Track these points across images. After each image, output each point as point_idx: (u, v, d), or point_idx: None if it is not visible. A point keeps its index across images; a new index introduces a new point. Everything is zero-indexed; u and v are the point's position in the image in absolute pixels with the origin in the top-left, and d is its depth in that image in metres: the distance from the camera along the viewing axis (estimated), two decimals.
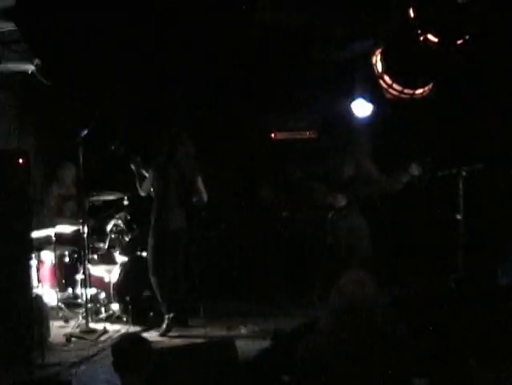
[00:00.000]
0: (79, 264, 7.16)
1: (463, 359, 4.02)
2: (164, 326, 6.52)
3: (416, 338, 3.50)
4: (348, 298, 3.19)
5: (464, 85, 7.26)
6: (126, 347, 3.54)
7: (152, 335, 6.42)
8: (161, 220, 6.61)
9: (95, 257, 7.28)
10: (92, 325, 6.75)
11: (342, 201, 6.53)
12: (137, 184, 6.77)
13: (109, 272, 7.13)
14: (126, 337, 4.06)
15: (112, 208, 7.51)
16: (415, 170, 6.32)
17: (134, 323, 6.79)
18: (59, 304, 7.06)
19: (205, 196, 6.76)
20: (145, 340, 3.67)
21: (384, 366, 3.12)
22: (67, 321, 6.94)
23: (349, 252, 6.47)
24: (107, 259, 7.26)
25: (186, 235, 6.73)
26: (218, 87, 8.01)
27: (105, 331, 6.62)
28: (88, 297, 6.82)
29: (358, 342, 3.15)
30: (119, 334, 6.55)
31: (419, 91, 6.50)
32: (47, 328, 6.22)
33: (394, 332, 3.26)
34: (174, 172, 6.67)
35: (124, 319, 6.91)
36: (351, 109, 6.98)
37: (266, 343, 5.72)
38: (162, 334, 6.48)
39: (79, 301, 7.10)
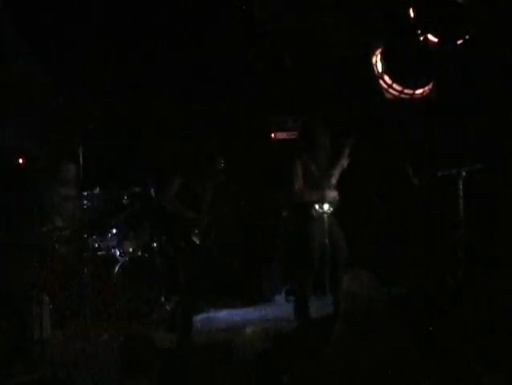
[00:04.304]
0: (79, 263, 7.15)
1: (463, 359, 4.02)
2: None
3: (415, 338, 3.50)
4: (352, 298, 3.20)
5: (464, 85, 7.26)
6: (132, 347, 3.54)
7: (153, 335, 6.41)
8: None
9: (96, 256, 7.27)
10: (92, 325, 6.74)
11: (335, 194, 6.66)
12: None
13: (109, 272, 7.12)
14: (132, 337, 4.06)
15: (112, 208, 7.52)
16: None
17: (133, 323, 6.78)
18: (59, 304, 7.04)
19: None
20: (151, 340, 3.67)
21: (390, 366, 3.12)
22: (68, 321, 6.93)
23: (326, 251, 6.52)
24: (107, 259, 7.26)
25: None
26: (218, 87, 8.01)
27: (106, 331, 6.61)
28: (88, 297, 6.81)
29: (362, 342, 3.16)
30: (119, 333, 6.55)
31: (419, 91, 6.50)
32: (47, 328, 6.22)
33: (397, 331, 3.27)
34: None
35: (124, 319, 6.90)
36: (350, 108, 6.99)
37: (266, 343, 5.74)
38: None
39: (80, 301, 7.09)
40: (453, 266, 6.37)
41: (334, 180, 6.69)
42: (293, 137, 8.21)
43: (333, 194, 6.63)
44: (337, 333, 3.31)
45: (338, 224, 6.68)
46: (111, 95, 7.83)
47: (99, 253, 7.32)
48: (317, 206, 6.55)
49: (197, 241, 6.04)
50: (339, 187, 6.82)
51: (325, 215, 6.51)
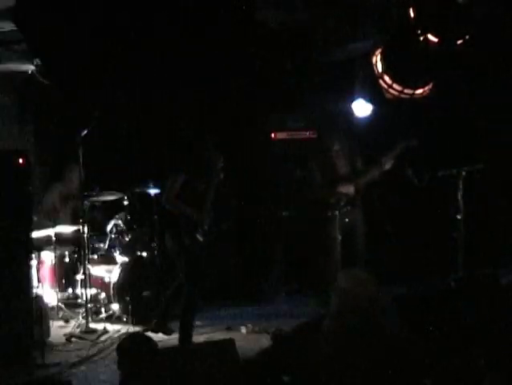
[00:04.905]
0: (79, 264, 7.16)
1: (464, 359, 4.02)
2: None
3: (416, 337, 3.50)
4: (350, 298, 3.19)
5: (464, 85, 7.26)
6: (132, 346, 3.54)
7: (153, 335, 6.41)
8: None
9: (95, 257, 7.28)
10: (92, 325, 6.75)
11: (351, 190, 6.56)
12: None
13: (109, 272, 7.13)
14: (131, 336, 4.07)
15: (112, 208, 7.53)
16: (387, 164, 6.49)
17: (134, 323, 6.79)
18: (59, 304, 7.06)
19: None
20: (151, 340, 3.67)
21: (390, 366, 3.12)
22: (67, 321, 6.94)
23: (343, 247, 6.47)
24: (107, 259, 7.27)
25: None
26: (218, 87, 8.01)
27: (105, 331, 6.62)
28: (88, 297, 6.82)
29: (361, 342, 3.15)
30: (119, 334, 6.56)
31: (419, 91, 6.50)
32: (47, 328, 6.22)
33: (397, 331, 3.26)
34: None
35: (124, 319, 6.90)
36: (351, 109, 6.98)
37: (266, 343, 5.73)
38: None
39: (79, 301, 7.10)
40: (452, 266, 6.37)
41: (366, 179, 6.63)
42: (293, 137, 8.22)
43: (350, 189, 6.58)
44: (326, 328, 3.29)
45: (357, 218, 6.64)
46: (111, 95, 7.82)
47: (99, 253, 7.33)
48: (336, 202, 6.53)
49: (201, 239, 6.06)
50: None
51: (339, 211, 6.49)
